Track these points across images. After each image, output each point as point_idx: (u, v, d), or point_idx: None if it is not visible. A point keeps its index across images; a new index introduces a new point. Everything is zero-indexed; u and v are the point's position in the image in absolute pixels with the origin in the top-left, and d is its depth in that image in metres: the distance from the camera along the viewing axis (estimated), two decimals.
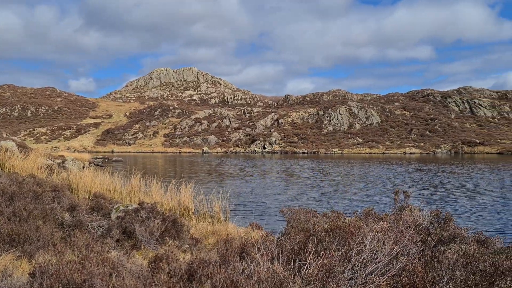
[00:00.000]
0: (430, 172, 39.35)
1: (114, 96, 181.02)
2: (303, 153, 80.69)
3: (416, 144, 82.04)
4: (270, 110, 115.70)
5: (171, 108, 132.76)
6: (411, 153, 76.21)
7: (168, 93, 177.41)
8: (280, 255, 3.23)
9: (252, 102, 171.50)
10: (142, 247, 6.56)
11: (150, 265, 2.67)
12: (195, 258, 2.60)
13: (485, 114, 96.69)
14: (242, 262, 2.93)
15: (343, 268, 3.06)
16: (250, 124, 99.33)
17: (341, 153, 79.15)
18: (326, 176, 35.67)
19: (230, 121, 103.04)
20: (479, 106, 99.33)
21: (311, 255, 3.11)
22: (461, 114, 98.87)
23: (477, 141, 78.72)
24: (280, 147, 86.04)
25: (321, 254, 3.10)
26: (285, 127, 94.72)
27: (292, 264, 3.09)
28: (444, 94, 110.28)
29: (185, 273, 2.51)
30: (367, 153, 77.67)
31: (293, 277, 2.72)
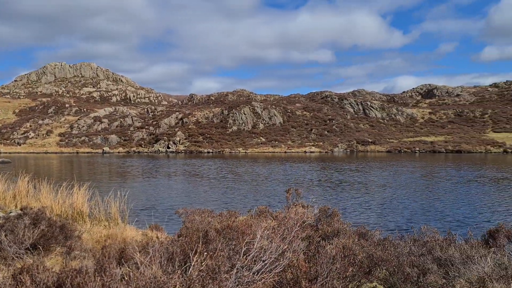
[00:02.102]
0: (334, 170, 41.67)
1: (1, 92, 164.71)
2: (208, 152, 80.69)
3: (316, 143, 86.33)
4: (175, 109, 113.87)
5: (67, 105, 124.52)
6: (311, 152, 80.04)
7: (64, 89, 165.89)
8: (162, 258, 3.16)
9: (156, 101, 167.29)
10: (19, 257, 6.02)
11: (14, 278, 2.43)
12: (64, 268, 2.41)
13: (376, 115, 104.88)
14: (121, 268, 2.81)
15: (227, 268, 3.08)
16: (154, 123, 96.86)
17: (245, 152, 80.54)
18: (232, 176, 36.02)
19: (132, 120, 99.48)
20: (371, 108, 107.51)
21: (195, 256, 3.08)
22: (356, 115, 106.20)
23: (369, 140, 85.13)
24: (185, 146, 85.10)
25: (204, 255, 3.10)
26: (190, 127, 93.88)
27: (173, 266, 3.03)
28: (340, 96, 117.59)
29: (52, 284, 2.32)
30: (270, 152, 79.97)
31: (174, 280, 2.67)
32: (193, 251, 3.18)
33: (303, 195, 6.88)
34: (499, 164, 47.99)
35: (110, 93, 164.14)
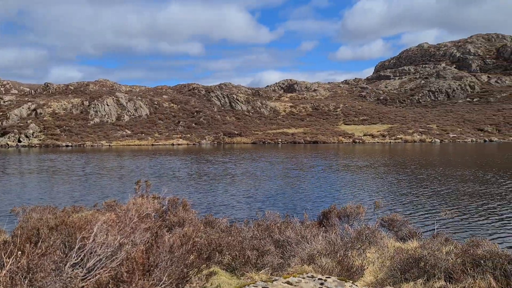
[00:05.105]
0: (204, 162, 41.89)
1: None
2: (67, 146, 74.84)
3: (184, 135, 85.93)
4: (27, 99, 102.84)
5: None
6: (179, 144, 79.45)
7: None
8: None
9: (3, 89, 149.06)
10: None
11: None
12: None
13: (242, 108, 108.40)
14: None
15: (49, 266, 2.87)
16: (1, 114, 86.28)
17: (109, 145, 76.58)
18: (96, 171, 33.98)
19: None
20: (237, 101, 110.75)
21: (10, 258, 2.80)
22: (223, 108, 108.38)
23: (236, 132, 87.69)
24: (40, 140, 77.60)
25: (19, 255, 2.84)
26: (45, 118, 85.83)
27: None
28: (208, 89, 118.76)
29: None
30: (136, 145, 77.28)
31: None
32: (7, 252, 2.89)
33: (155, 186, 6.75)
34: (354, 154, 53.49)
35: None
